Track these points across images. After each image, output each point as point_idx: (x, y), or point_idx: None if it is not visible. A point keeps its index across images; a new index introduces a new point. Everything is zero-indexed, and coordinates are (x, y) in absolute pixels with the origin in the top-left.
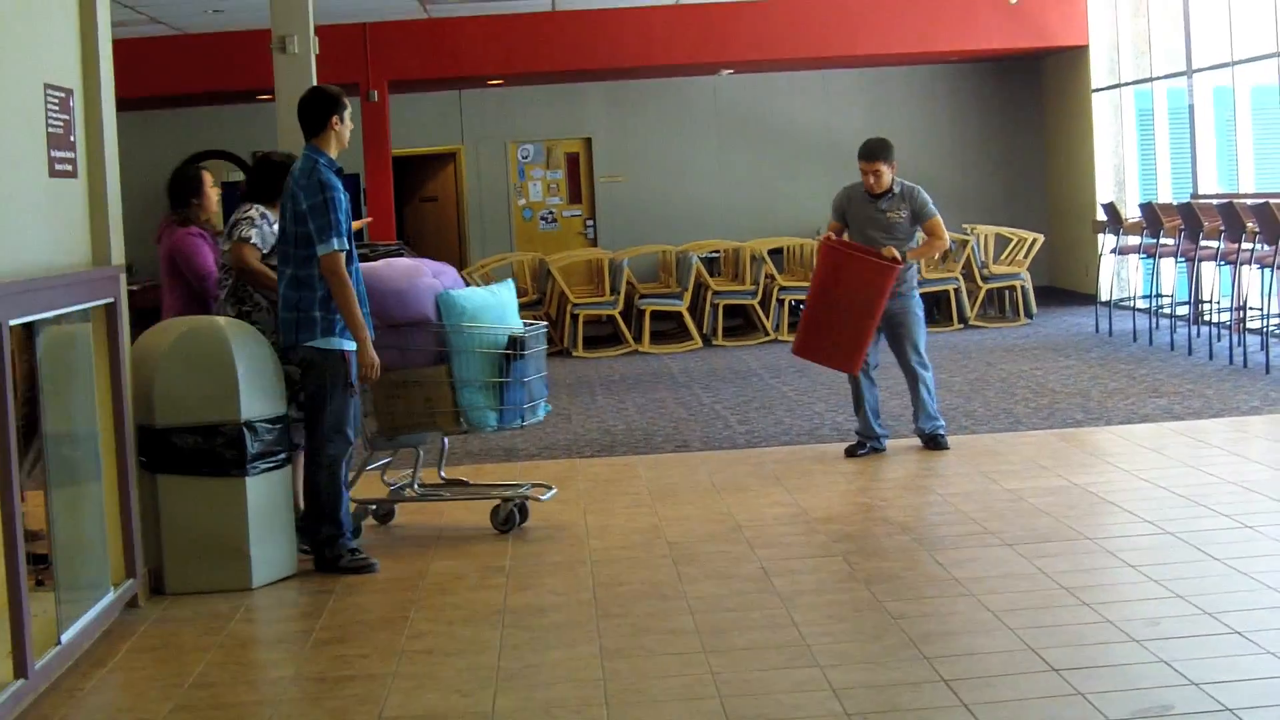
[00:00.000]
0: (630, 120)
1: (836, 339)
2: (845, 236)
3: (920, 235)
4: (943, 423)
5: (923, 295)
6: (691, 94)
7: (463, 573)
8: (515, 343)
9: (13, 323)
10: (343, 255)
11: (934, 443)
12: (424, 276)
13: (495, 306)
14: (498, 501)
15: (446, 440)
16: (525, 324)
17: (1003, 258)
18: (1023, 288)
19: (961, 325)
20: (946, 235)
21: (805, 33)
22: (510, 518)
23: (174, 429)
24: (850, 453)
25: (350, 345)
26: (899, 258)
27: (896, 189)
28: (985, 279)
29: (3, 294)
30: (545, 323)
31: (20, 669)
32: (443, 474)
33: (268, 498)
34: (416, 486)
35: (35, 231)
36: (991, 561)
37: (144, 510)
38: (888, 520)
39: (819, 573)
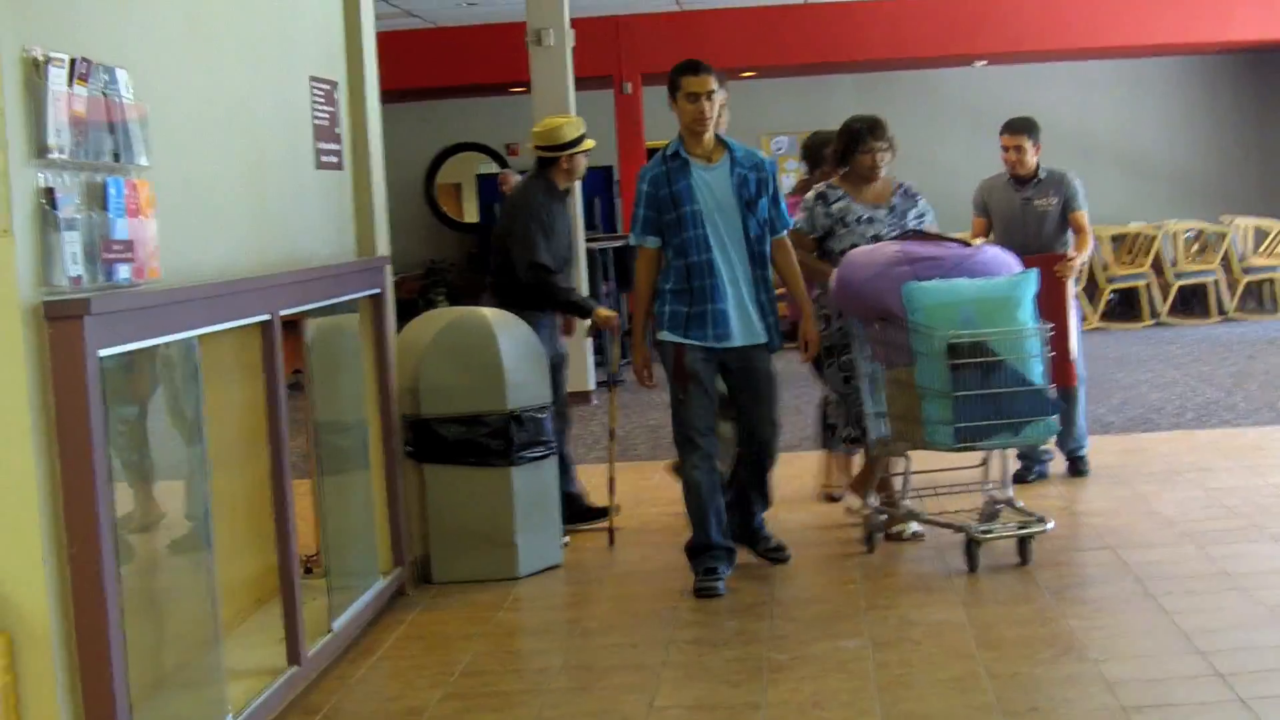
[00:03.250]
0: (882, 112)
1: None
2: (990, 236)
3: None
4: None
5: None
6: (943, 86)
7: None
8: (954, 350)
9: (283, 314)
10: (641, 250)
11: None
12: (898, 265)
13: (963, 303)
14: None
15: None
16: (1021, 329)
17: (1262, 249)
18: None
19: (1221, 318)
20: (1091, 232)
21: (1059, 24)
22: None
23: (440, 419)
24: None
25: (682, 339)
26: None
27: (1043, 174)
28: (1245, 271)
29: (273, 286)
30: (1047, 325)
31: (293, 656)
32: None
33: (534, 487)
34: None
35: (303, 223)
36: (1261, 556)
37: (411, 500)
38: (1154, 514)
39: (1086, 566)
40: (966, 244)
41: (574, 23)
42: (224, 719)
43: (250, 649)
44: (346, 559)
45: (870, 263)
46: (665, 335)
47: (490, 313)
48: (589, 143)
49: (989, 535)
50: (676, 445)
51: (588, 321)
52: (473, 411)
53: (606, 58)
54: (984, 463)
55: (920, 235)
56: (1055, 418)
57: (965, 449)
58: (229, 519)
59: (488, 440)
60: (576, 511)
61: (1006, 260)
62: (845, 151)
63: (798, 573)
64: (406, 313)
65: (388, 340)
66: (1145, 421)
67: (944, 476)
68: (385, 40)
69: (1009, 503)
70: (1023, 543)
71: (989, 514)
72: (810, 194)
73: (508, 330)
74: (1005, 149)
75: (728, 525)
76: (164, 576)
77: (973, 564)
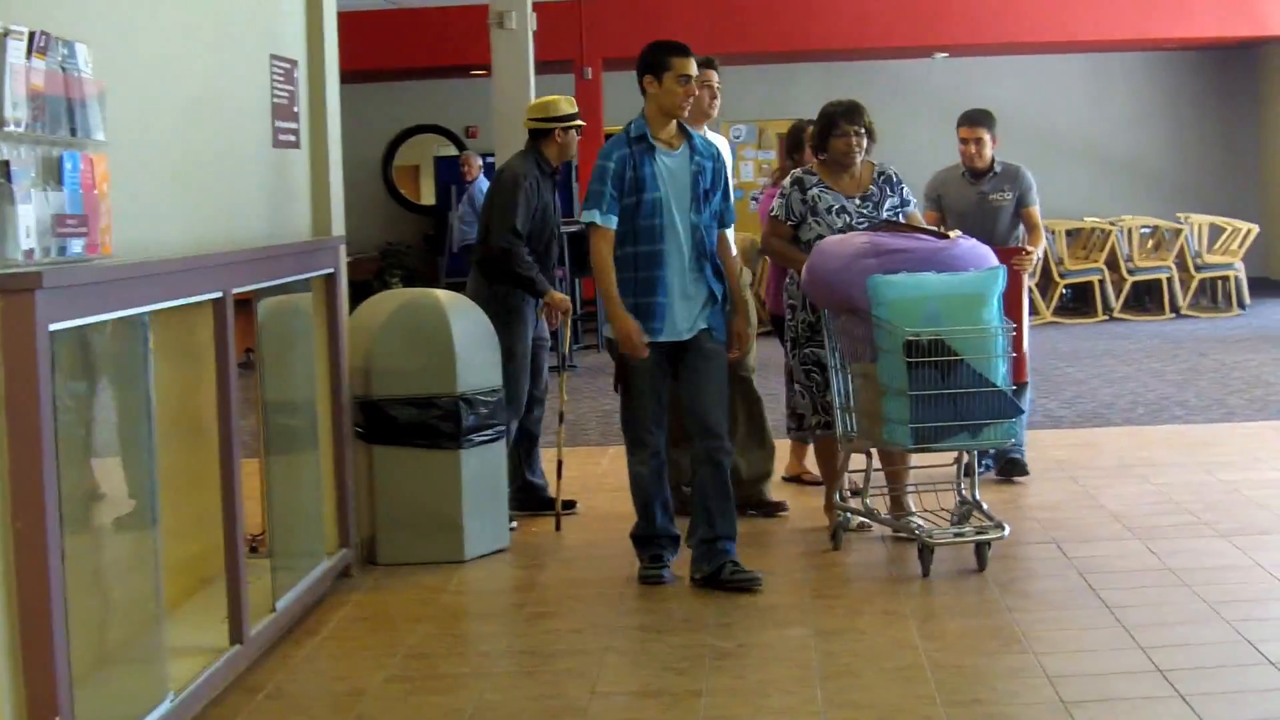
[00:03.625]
0: None
1: None
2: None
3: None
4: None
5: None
6: (905, 77)
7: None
8: (912, 348)
9: (236, 291)
10: (599, 230)
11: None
12: (865, 256)
13: (928, 299)
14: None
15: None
16: (984, 328)
17: (1216, 247)
18: (1236, 278)
19: (1174, 315)
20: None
21: (1021, 17)
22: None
23: (390, 400)
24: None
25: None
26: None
27: (998, 168)
28: (1198, 268)
29: (226, 263)
30: (1011, 325)
31: (236, 635)
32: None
33: (482, 471)
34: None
35: (258, 201)
36: (1207, 553)
37: (359, 481)
38: (1101, 509)
39: (1032, 560)
40: (944, 235)
41: (536, 6)
42: (165, 697)
43: (194, 627)
44: (292, 539)
45: (839, 253)
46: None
47: (443, 295)
48: (580, 123)
49: (941, 541)
50: (626, 443)
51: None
52: (423, 393)
53: (568, 42)
54: (957, 462)
55: (893, 225)
56: (1016, 420)
57: (921, 450)
58: (176, 496)
59: (437, 422)
60: (533, 499)
61: (981, 254)
62: (821, 136)
63: (746, 560)
64: (361, 294)
65: (340, 321)
66: (1096, 416)
67: (919, 474)
68: (346, 19)
69: (976, 505)
70: (979, 548)
71: (962, 515)
72: (787, 179)
73: (461, 313)
74: (963, 141)
75: (701, 551)
76: (109, 553)
77: (925, 569)
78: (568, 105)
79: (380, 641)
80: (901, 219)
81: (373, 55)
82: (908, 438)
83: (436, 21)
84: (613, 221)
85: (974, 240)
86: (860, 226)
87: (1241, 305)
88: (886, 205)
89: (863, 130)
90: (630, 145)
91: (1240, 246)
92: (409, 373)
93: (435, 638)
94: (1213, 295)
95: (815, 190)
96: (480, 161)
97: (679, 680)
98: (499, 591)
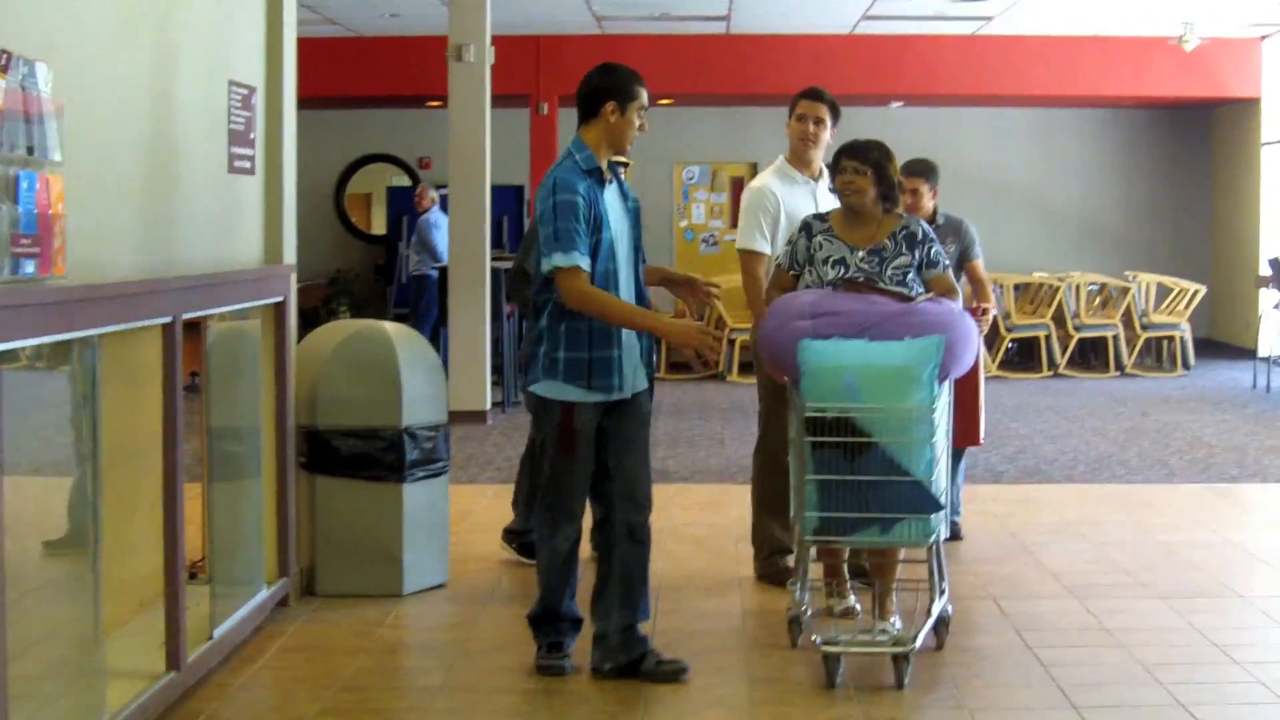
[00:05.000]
0: None
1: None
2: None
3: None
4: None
5: (1014, 340)
6: (861, 124)
7: None
8: (813, 425)
9: (185, 317)
10: (581, 274)
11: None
12: (801, 318)
13: (843, 369)
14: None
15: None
16: (906, 407)
17: (1163, 307)
18: (1181, 338)
19: (1118, 373)
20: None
21: (978, 69)
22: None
23: (335, 431)
24: None
25: (578, 396)
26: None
27: (941, 220)
28: (1145, 327)
29: (176, 289)
30: (932, 409)
31: (173, 661)
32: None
33: (425, 505)
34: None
35: (211, 227)
36: (1144, 614)
37: (301, 511)
38: (1040, 565)
39: (969, 615)
40: (907, 299)
41: (495, 40)
42: None
43: (131, 652)
44: (232, 566)
45: (782, 311)
46: (560, 389)
47: (391, 327)
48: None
49: (836, 648)
50: (545, 514)
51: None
52: (368, 425)
53: (525, 76)
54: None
55: (854, 285)
56: (937, 517)
57: (823, 543)
58: (118, 520)
59: (381, 455)
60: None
61: (945, 323)
62: (832, 177)
63: (683, 602)
64: (309, 321)
65: (288, 349)
66: (1037, 473)
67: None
68: (305, 46)
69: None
70: (895, 661)
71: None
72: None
73: (408, 346)
74: (901, 191)
75: (621, 639)
76: (48, 574)
77: (830, 680)
78: None
79: (317, 673)
80: (914, 283)
81: (330, 83)
82: (813, 527)
83: (395, 51)
84: (588, 262)
85: (949, 306)
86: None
87: (1186, 366)
88: (895, 263)
89: (867, 169)
90: (586, 176)
91: (1187, 307)
92: (354, 404)
93: (372, 671)
94: (1158, 355)
95: (820, 238)
96: (435, 194)
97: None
98: (438, 627)
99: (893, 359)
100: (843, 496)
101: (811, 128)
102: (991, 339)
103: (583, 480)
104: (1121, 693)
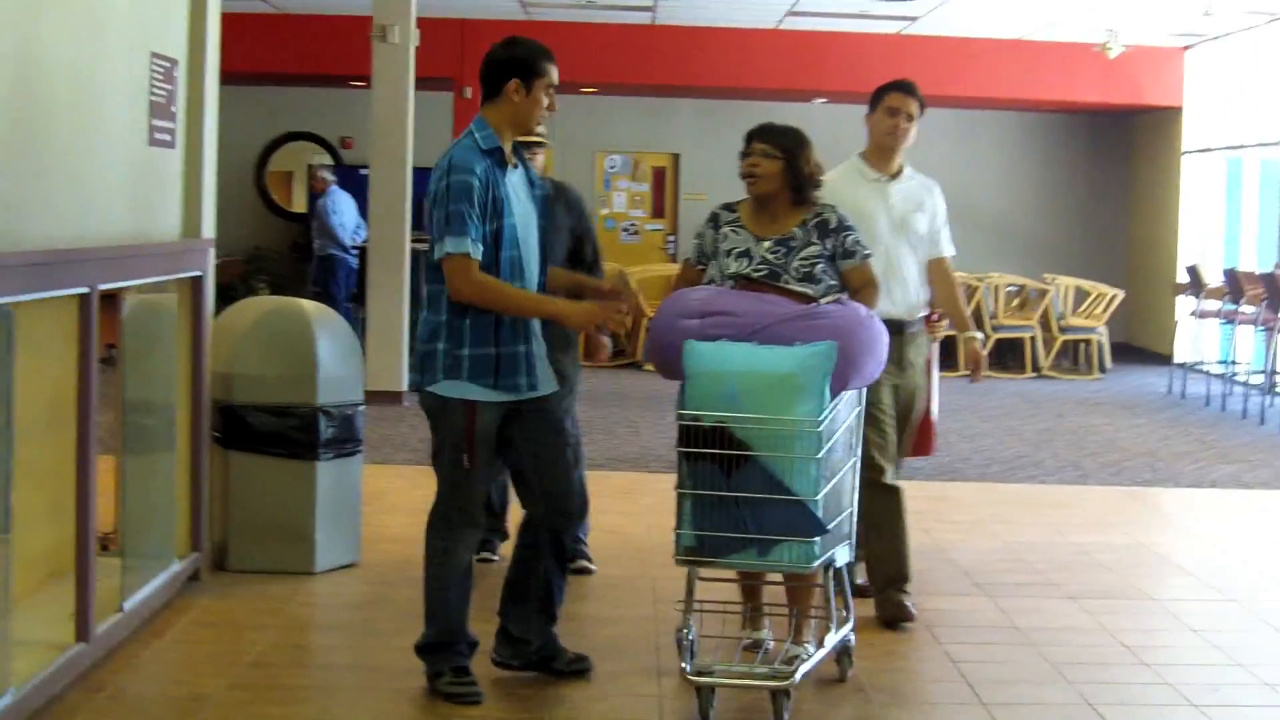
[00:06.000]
0: (720, 139)
1: None
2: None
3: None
4: None
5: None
6: (784, 119)
7: None
8: (686, 434)
9: (102, 288)
10: (471, 263)
11: None
12: (689, 316)
13: (726, 375)
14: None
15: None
16: (790, 420)
17: (1081, 310)
18: (1099, 342)
19: (1034, 374)
20: None
21: (900, 68)
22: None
23: (250, 407)
24: None
25: (481, 395)
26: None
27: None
28: (1062, 330)
29: (94, 260)
30: (816, 423)
31: (82, 633)
32: None
33: (337, 484)
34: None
35: (130, 199)
36: (1053, 613)
37: (214, 486)
38: (952, 563)
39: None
40: (808, 299)
41: (420, 22)
42: (6, 690)
43: (39, 623)
44: (144, 539)
45: (670, 309)
46: (463, 388)
47: (309, 305)
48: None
49: (708, 679)
50: (441, 524)
51: (607, 340)
52: (282, 402)
53: (449, 60)
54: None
55: (750, 282)
56: (818, 542)
57: (693, 563)
58: (30, 490)
59: (295, 432)
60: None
61: (849, 330)
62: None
63: (593, 593)
64: (227, 297)
65: (205, 323)
66: (951, 470)
67: None
68: (229, 21)
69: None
70: (773, 696)
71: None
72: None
73: (325, 324)
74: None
75: (537, 649)
76: None
77: (703, 712)
78: None
79: (225, 649)
80: (824, 275)
81: (253, 58)
82: (684, 545)
83: (319, 29)
84: (480, 250)
85: (854, 308)
86: (758, 275)
87: (1103, 369)
88: (803, 253)
89: (777, 154)
90: (484, 157)
91: (1104, 311)
92: (269, 380)
93: (280, 648)
94: (1074, 357)
95: (727, 228)
96: (329, 175)
97: (521, 710)
98: (347, 605)
99: (778, 366)
100: (718, 514)
101: (903, 123)
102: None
103: (480, 484)
104: (1030, 691)
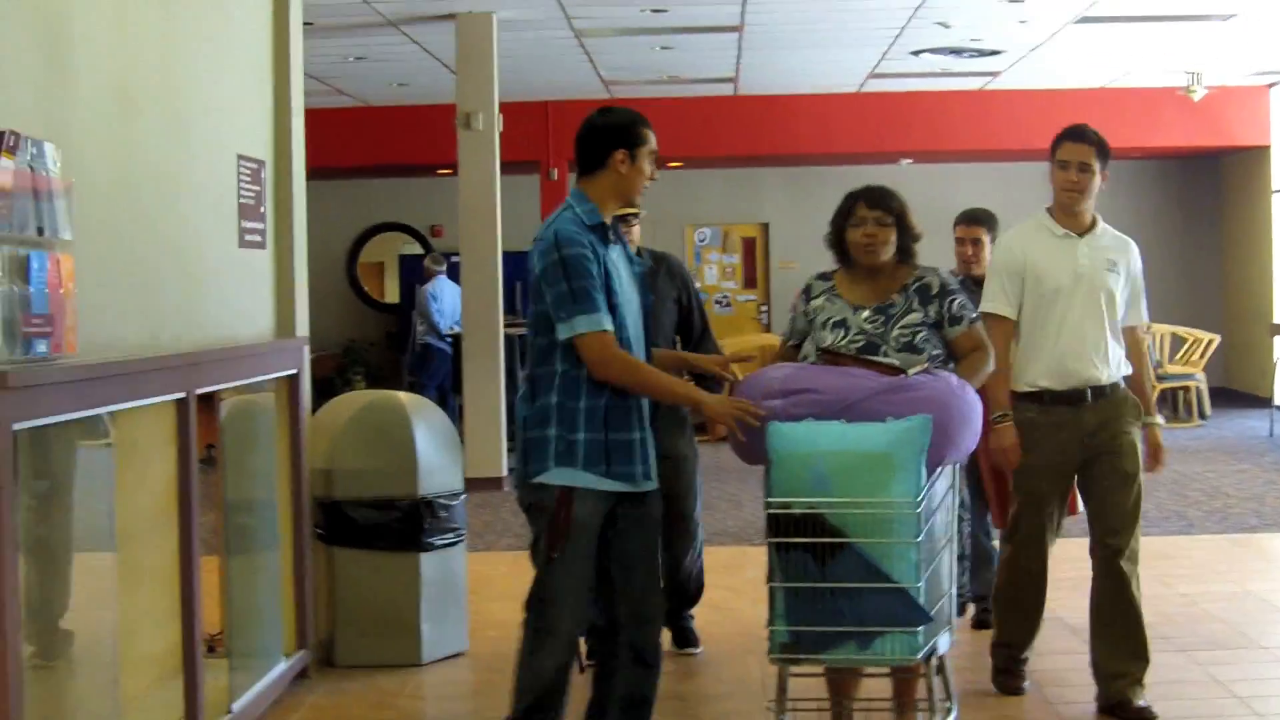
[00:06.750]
0: (807, 206)
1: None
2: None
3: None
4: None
5: None
6: (872, 182)
7: None
8: (775, 523)
9: (199, 391)
10: (609, 337)
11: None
12: (772, 396)
13: (814, 456)
14: None
15: None
16: (887, 502)
17: (1178, 357)
18: (1197, 388)
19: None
20: None
21: (984, 124)
22: None
23: (351, 502)
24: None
25: (592, 483)
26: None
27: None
28: (1160, 378)
29: (189, 364)
30: (915, 503)
31: None
32: None
33: (441, 574)
34: None
35: (223, 301)
36: (1164, 667)
37: (318, 582)
38: (1059, 620)
39: (986, 666)
40: (896, 371)
41: (503, 106)
42: None
43: None
44: (250, 639)
45: (750, 390)
46: (575, 475)
47: (406, 397)
48: None
49: None
50: (538, 626)
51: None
52: (384, 495)
53: (534, 142)
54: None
55: (834, 356)
56: (922, 631)
57: (790, 660)
58: (135, 593)
59: (397, 525)
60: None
61: (944, 402)
62: (837, 230)
63: (702, 667)
64: (323, 391)
65: (302, 420)
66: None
67: None
68: (313, 117)
69: None
70: None
71: None
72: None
73: (423, 415)
74: (960, 241)
75: None
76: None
77: None
78: None
79: None
80: (925, 344)
81: (340, 153)
82: (779, 642)
83: (404, 120)
84: (610, 323)
85: (946, 379)
86: (855, 348)
87: (1202, 416)
88: (904, 321)
89: (890, 220)
90: (587, 231)
91: (1201, 357)
92: (369, 474)
93: None
94: (1174, 405)
95: (821, 299)
96: (436, 267)
97: None
98: (457, 695)
99: (870, 443)
100: (814, 606)
101: (1075, 175)
102: None
103: (580, 588)
104: None
